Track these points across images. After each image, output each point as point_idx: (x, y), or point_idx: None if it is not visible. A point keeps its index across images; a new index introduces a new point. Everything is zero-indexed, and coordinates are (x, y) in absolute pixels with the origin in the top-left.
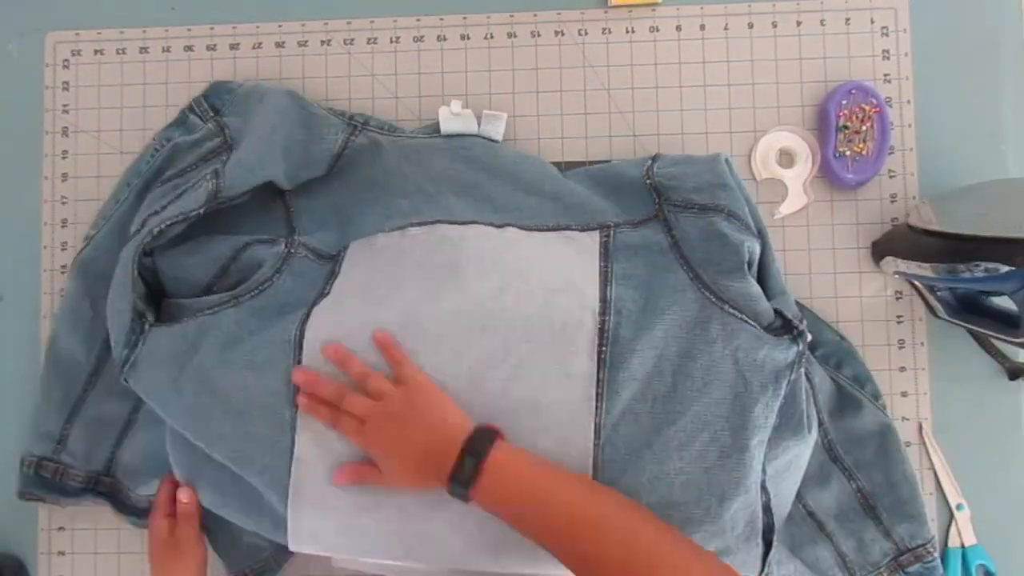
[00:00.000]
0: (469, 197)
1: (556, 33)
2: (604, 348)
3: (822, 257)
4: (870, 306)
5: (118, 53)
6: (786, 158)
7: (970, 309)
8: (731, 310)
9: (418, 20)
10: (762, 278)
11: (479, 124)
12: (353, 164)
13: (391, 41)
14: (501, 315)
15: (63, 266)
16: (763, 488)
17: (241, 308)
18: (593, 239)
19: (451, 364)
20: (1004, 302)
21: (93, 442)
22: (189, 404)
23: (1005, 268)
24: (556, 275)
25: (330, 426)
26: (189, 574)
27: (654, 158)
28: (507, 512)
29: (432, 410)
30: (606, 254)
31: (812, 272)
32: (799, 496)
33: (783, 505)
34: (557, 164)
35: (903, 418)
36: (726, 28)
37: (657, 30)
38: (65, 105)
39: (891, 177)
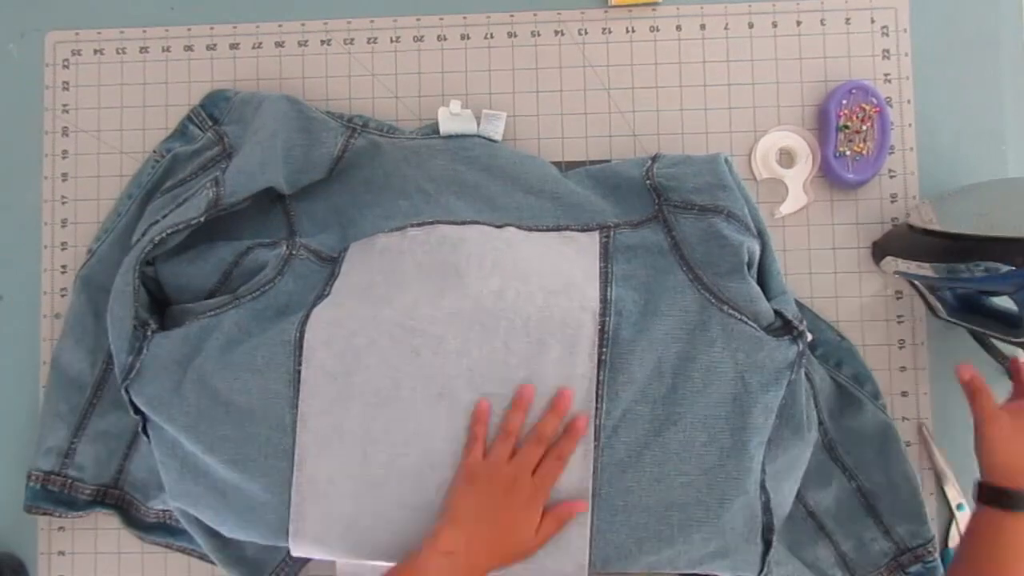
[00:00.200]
0: (469, 197)
1: (556, 33)
2: (604, 350)
3: (822, 257)
4: (870, 306)
5: (118, 53)
6: (786, 158)
7: (970, 309)
8: (731, 311)
9: (418, 20)
10: (762, 278)
11: (478, 124)
12: (353, 167)
13: (391, 41)
14: (501, 315)
15: (63, 266)
16: (762, 488)
17: (242, 309)
18: (593, 239)
19: (452, 364)
20: (1004, 302)
21: (101, 455)
22: (191, 407)
23: (1005, 268)
24: (556, 276)
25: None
26: None
27: (654, 158)
28: None
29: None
30: (606, 255)
31: (812, 272)
32: (799, 496)
33: (783, 504)
34: (557, 164)
35: (903, 418)
36: (726, 28)
37: (657, 30)
38: (65, 105)
39: (891, 177)
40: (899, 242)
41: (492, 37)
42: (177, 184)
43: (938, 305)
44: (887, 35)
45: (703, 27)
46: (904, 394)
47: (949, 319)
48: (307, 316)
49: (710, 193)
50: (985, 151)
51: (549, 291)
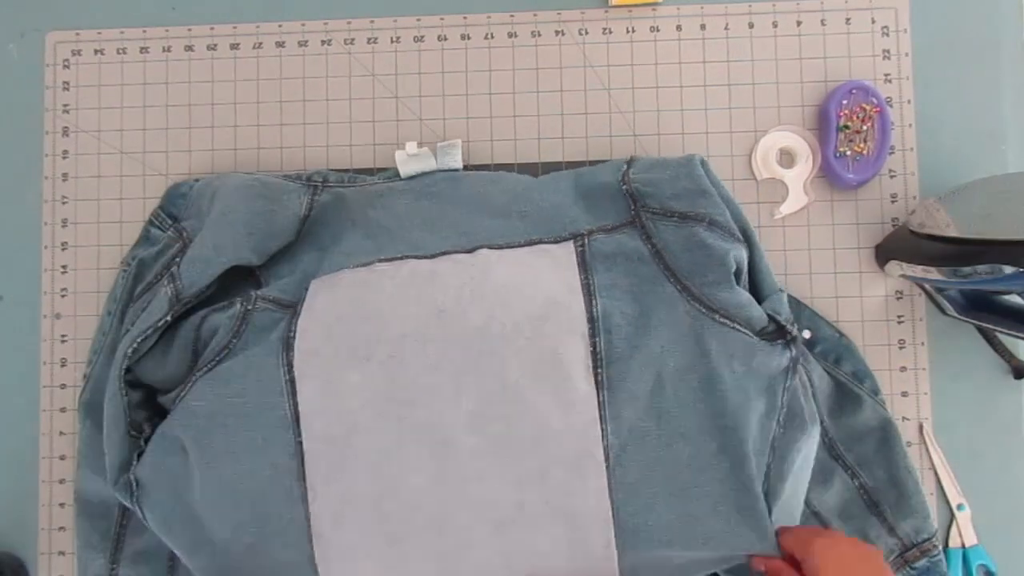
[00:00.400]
0: (435, 227)
1: (556, 33)
2: (599, 370)
3: (822, 257)
4: (870, 306)
5: (118, 53)
6: (786, 158)
7: (981, 307)
8: (722, 319)
9: (418, 20)
10: (753, 278)
11: (436, 159)
12: (320, 224)
13: (391, 41)
14: (492, 354)
15: (63, 266)
16: (766, 495)
17: (202, 385)
18: (567, 250)
19: (448, 412)
20: (1015, 299)
21: (145, 574)
22: (199, 507)
23: (1010, 270)
24: (537, 297)
25: None
26: None
27: (629, 162)
28: None
29: None
30: (583, 264)
31: (812, 272)
32: None
33: (797, 505)
34: (554, 165)
35: (903, 418)
36: (726, 28)
37: (657, 30)
38: (65, 105)
39: (892, 177)
40: (901, 246)
41: (492, 37)
42: (145, 289)
43: (946, 304)
44: (887, 35)
45: (703, 27)
46: (904, 394)
47: (958, 316)
48: (293, 387)
49: (689, 200)
50: (985, 151)
51: (535, 318)
